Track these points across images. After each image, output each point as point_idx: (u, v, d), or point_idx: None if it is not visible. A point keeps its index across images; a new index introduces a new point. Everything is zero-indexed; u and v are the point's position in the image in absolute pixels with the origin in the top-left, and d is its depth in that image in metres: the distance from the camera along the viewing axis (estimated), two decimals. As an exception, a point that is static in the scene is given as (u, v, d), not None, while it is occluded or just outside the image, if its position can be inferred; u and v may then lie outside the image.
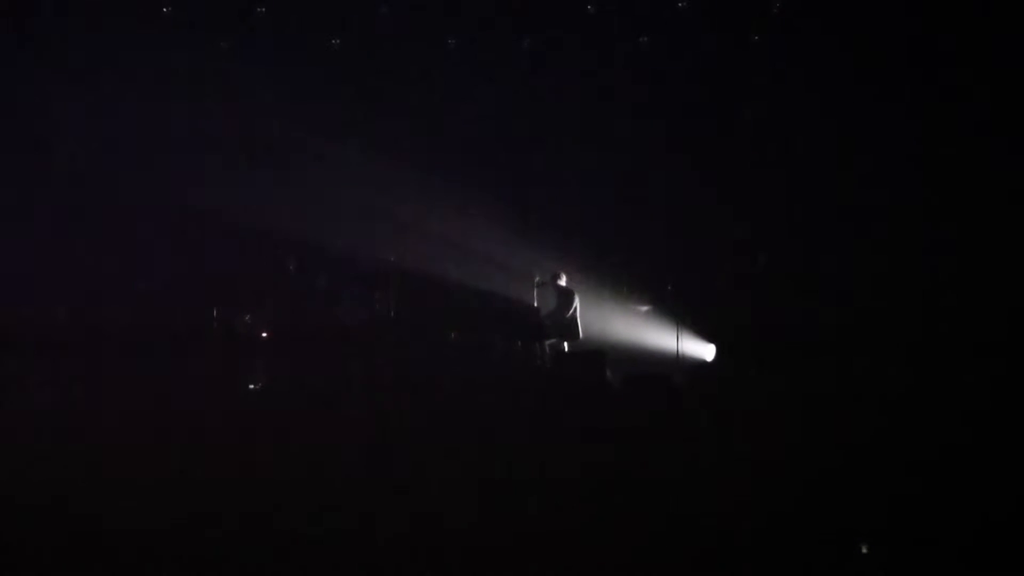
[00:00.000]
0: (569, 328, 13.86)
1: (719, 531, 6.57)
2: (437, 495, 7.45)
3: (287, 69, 15.17)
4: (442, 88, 15.51)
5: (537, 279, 14.06)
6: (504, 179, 15.51)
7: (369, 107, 15.39)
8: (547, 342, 13.88)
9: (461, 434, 9.95)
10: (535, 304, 14.10)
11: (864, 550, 6.20)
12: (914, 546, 6.06)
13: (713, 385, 12.99)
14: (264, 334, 13.78)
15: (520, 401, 11.78)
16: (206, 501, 7.36)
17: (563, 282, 14.03)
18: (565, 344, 13.92)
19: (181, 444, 9.14)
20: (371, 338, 13.66)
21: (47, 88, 14.53)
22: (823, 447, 8.94)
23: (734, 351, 13.87)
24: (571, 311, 13.86)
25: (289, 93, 15.00)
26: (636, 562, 6.06)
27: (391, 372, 13.14)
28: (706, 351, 14.35)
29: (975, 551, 5.88)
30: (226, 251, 14.86)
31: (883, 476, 7.81)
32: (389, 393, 11.97)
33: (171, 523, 6.80)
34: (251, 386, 13.08)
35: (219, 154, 14.66)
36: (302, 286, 14.39)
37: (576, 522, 6.91)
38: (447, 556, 6.17)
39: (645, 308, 14.75)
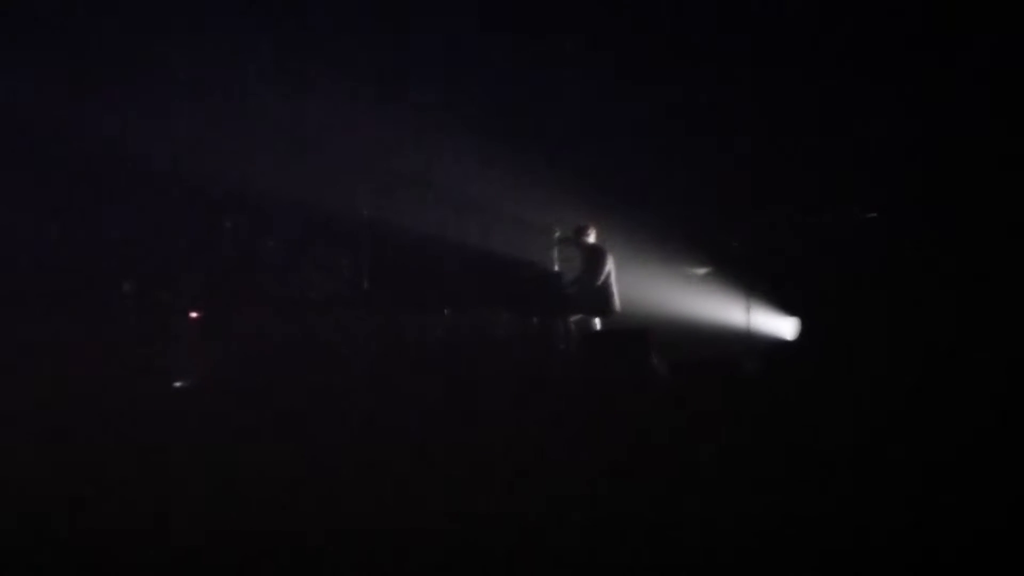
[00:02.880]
0: (601, 299, 12.18)
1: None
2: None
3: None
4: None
5: (558, 234, 12.66)
6: (511, 104, 13.57)
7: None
8: (572, 318, 12.30)
9: (455, 450, 8.22)
10: (556, 268, 12.67)
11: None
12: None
13: (796, 374, 11.29)
14: (192, 314, 11.88)
15: (536, 400, 10.12)
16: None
17: (592, 238, 12.30)
18: (596, 321, 12.32)
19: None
20: (338, 316, 12.34)
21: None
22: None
23: (824, 327, 12.42)
24: (603, 276, 12.13)
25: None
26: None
27: (363, 360, 11.80)
28: (787, 328, 13.00)
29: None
30: (137, 205, 12.95)
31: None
32: (358, 391, 10.45)
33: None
34: (176, 384, 11.16)
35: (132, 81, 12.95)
36: (245, 250, 12.72)
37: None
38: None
39: (703, 271, 13.40)
